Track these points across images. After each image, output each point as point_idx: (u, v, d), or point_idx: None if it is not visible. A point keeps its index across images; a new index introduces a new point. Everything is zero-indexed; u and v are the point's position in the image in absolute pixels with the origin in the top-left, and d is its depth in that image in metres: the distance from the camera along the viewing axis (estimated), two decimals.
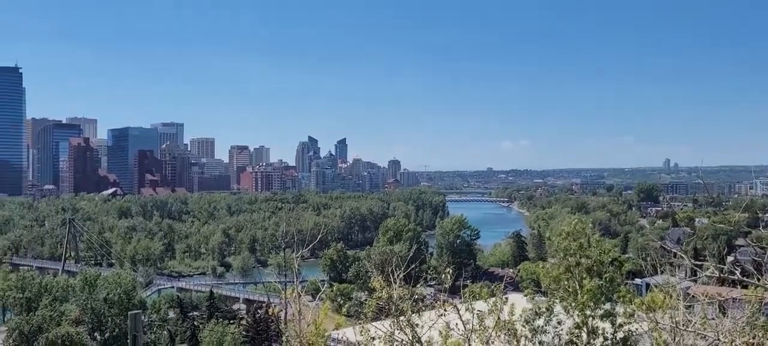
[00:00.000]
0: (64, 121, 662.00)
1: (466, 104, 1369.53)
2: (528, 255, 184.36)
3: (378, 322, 14.45)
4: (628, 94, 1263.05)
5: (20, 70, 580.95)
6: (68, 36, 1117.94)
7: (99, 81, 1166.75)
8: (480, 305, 14.49)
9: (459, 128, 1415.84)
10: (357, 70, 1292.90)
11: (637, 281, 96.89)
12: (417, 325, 14.17)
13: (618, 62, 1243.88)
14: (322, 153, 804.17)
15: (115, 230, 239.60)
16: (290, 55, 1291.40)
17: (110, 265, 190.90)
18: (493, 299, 14.48)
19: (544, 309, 15.10)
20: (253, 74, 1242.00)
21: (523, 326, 14.76)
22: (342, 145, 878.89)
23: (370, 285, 15.12)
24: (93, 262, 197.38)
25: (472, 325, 14.14)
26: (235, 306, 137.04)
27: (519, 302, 15.22)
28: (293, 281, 16.70)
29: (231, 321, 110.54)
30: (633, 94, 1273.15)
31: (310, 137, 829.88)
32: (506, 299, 14.71)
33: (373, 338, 14.07)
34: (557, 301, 15.46)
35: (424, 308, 14.65)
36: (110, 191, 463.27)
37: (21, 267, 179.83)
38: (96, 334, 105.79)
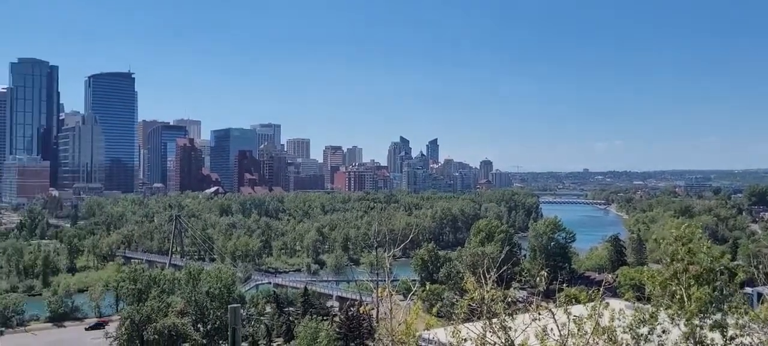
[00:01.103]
0: (171, 123, 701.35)
1: (560, 104, 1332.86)
2: (627, 260, 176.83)
3: (470, 323, 14.21)
4: (742, 92, 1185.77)
5: (133, 76, 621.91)
6: (175, 42, 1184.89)
7: (203, 84, 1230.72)
8: (577, 310, 13.93)
9: (553, 128, 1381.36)
10: (449, 72, 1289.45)
11: (748, 290, 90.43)
12: (510, 328, 13.80)
13: (734, 54, 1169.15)
14: (414, 153, 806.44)
15: (216, 227, 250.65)
16: (384, 57, 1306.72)
17: (212, 260, 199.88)
18: (592, 303, 13.86)
19: (647, 317, 14.29)
20: (347, 76, 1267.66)
21: (625, 333, 14.04)
22: (433, 145, 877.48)
23: (461, 286, 14.89)
24: (196, 257, 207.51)
25: (569, 330, 13.60)
26: (329, 303, 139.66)
27: (619, 309, 14.50)
28: (385, 280, 16.74)
29: (324, 318, 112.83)
30: (747, 91, 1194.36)
31: (401, 138, 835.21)
32: (607, 303, 14.04)
33: (465, 340, 13.82)
34: (662, 308, 14.58)
35: (517, 311, 14.26)
36: (212, 189, 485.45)
37: (132, 260, 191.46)
38: (199, 325, 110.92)
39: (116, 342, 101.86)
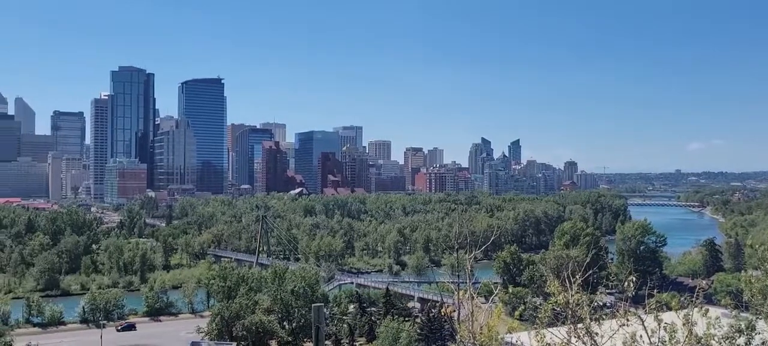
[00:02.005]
0: (258, 127, 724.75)
1: (650, 103, 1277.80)
2: (723, 265, 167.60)
3: (554, 328, 13.97)
4: None
5: (222, 81, 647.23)
6: (262, 48, 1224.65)
7: (288, 89, 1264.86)
8: (668, 317, 13.42)
9: (642, 128, 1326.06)
10: (532, 72, 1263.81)
11: None
12: (596, 333, 13.48)
13: None
14: (496, 154, 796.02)
15: (301, 227, 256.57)
16: (465, 58, 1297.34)
17: (297, 259, 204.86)
18: (685, 311, 13.31)
19: (745, 326, 13.56)
20: (428, 78, 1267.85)
21: (721, 343, 13.39)
22: (515, 146, 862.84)
23: (545, 289, 14.65)
24: (282, 256, 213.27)
25: (659, 337, 13.13)
26: (410, 304, 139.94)
27: (715, 316, 13.84)
28: (466, 282, 16.72)
29: (406, 318, 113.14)
30: None
31: (483, 139, 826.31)
32: (706, 309, 13.44)
33: (549, 345, 13.62)
34: (762, 317, 13.81)
35: (604, 317, 13.89)
36: (297, 190, 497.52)
37: (222, 258, 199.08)
38: (285, 323, 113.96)
39: (207, 337, 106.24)
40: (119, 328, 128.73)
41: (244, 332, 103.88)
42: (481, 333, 15.07)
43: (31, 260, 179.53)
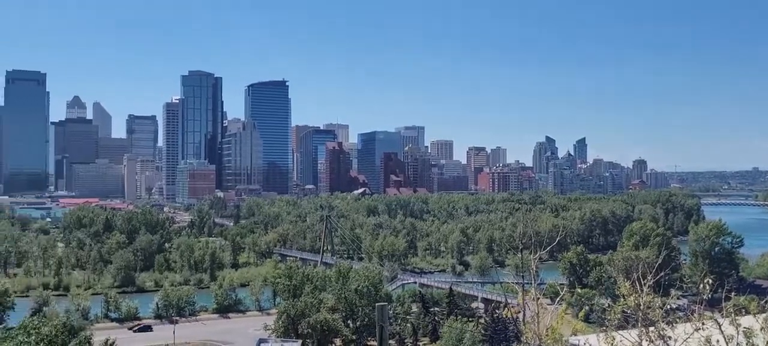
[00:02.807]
0: (321, 128, 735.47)
1: (725, 99, 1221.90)
2: None
3: (624, 331, 13.63)
4: None
5: (287, 84, 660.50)
6: (325, 50, 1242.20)
7: (351, 90, 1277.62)
8: (747, 321, 12.87)
9: (716, 124, 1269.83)
10: (597, 69, 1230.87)
11: None
12: (669, 337, 13.07)
13: None
14: (560, 153, 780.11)
15: (364, 227, 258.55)
16: (528, 56, 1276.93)
17: (360, 259, 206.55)
18: (765, 315, 12.74)
19: None
20: (491, 77, 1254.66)
21: None
22: (581, 144, 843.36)
23: (615, 291, 14.32)
24: (346, 255, 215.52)
25: (737, 342, 12.61)
26: (474, 304, 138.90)
27: None
28: (531, 283, 16.53)
29: (469, 319, 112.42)
30: None
31: (547, 137, 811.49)
32: None
33: None
34: None
35: (677, 320, 13.45)
36: (360, 190, 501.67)
37: (287, 258, 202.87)
38: (349, 322, 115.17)
39: (274, 334, 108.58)
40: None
41: (310, 330, 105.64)
42: (546, 335, 14.87)
43: (109, 258, 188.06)
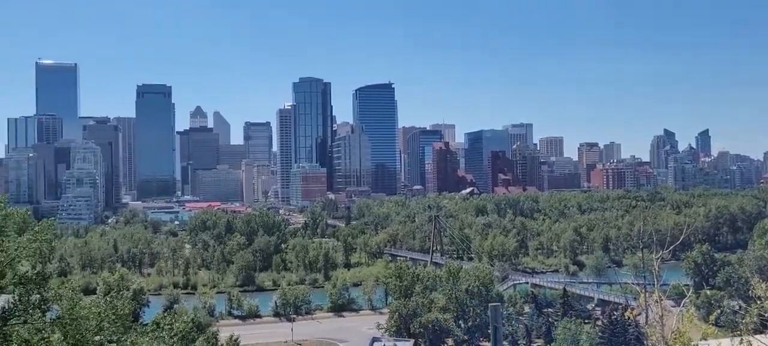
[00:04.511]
0: (427, 128, 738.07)
1: None
2: None
3: (761, 335, 13.15)
4: None
5: (393, 86, 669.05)
6: (429, 51, 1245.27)
7: (456, 89, 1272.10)
8: None
9: None
10: (721, 55, 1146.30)
11: None
12: None
13: None
14: (681, 147, 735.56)
15: (473, 227, 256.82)
16: (642, 44, 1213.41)
17: (470, 259, 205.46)
18: None
19: None
20: (601, 70, 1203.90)
21: None
22: (704, 136, 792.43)
23: (749, 293, 13.84)
24: (455, 255, 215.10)
25: None
26: (589, 306, 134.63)
27: None
28: (653, 284, 16.26)
29: (585, 320, 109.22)
30: None
31: (665, 130, 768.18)
32: None
33: None
34: None
35: None
36: (467, 190, 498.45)
37: (398, 258, 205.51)
38: (460, 322, 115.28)
39: (387, 333, 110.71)
40: None
41: (421, 330, 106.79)
42: (672, 338, 14.60)
43: (231, 258, 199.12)
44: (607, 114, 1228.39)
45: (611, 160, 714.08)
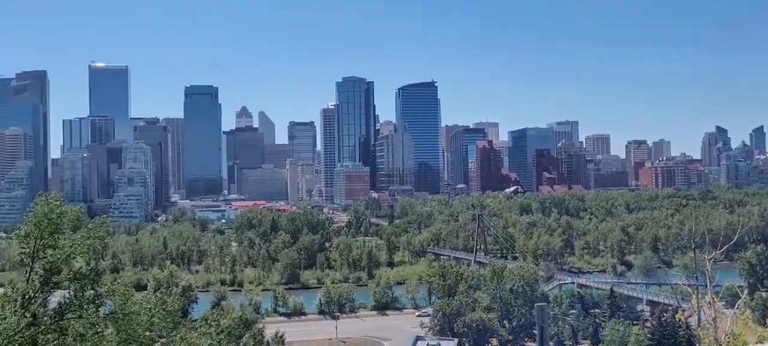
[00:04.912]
0: (471, 127, 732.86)
1: None
2: None
3: None
4: None
5: (435, 84, 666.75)
6: (472, 49, 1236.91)
7: (499, 87, 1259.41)
8: None
9: None
10: None
11: None
12: None
13: None
14: (734, 144, 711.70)
15: (517, 226, 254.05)
16: (691, 41, 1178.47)
17: (514, 258, 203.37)
18: None
19: None
20: (649, 66, 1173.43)
21: None
22: (758, 133, 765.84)
23: None
24: (499, 254, 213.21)
25: None
26: (638, 307, 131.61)
27: None
28: (705, 285, 15.84)
29: (634, 322, 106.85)
30: None
31: (717, 127, 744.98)
32: None
33: None
34: None
35: None
36: (511, 188, 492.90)
37: (441, 256, 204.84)
38: (505, 322, 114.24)
39: (430, 332, 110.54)
40: None
41: (465, 329, 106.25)
42: (726, 341, 14.19)
43: (276, 256, 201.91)
44: (656, 111, 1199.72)
45: (660, 158, 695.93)
